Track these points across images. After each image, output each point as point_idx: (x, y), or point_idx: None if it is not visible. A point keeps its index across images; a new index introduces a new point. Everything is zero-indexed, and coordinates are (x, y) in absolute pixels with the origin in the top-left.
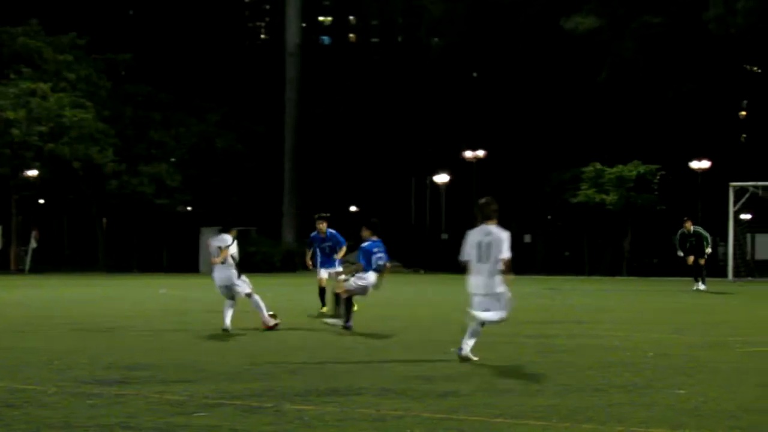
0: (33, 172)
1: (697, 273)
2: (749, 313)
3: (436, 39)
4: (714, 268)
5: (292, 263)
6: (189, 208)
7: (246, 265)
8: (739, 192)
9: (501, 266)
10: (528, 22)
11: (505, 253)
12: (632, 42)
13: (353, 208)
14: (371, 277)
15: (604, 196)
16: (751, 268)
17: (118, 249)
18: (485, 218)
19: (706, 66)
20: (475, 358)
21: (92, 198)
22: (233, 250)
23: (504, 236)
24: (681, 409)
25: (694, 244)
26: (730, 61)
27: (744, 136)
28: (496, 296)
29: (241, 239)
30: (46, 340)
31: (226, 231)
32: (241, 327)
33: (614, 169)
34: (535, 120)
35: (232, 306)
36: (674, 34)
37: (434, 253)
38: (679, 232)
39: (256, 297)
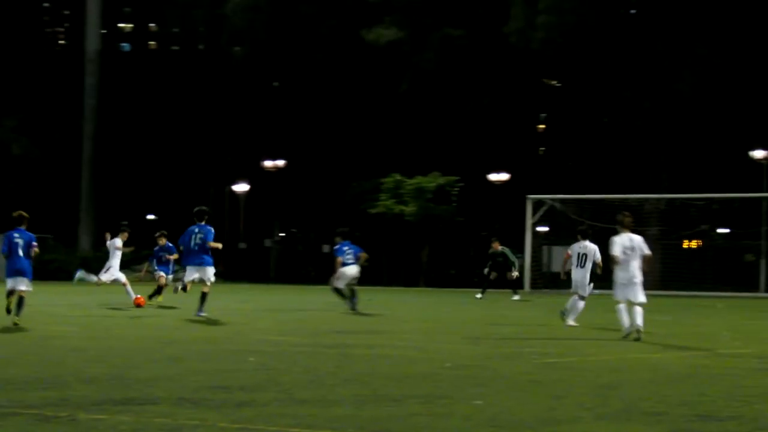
0: None
1: (513, 286)
2: (543, 325)
3: (237, 48)
4: (511, 280)
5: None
6: None
7: (42, 273)
8: (537, 204)
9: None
10: (330, 33)
11: None
12: (433, 54)
13: (151, 216)
14: (349, 270)
15: (403, 207)
16: (547, 280)
17: None
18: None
19: (506, 79)
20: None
21: None
22: None
23: None
24: (478, 420)
25: (501, 263)
26: (529, 75)
27: (542, 149)
28: None
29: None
30: None
31: None
32: (41, 334)
33: (413, 180)
34: (336, 130)
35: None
36: (475, 46)
37: (232, 262)
38: (490, 252)
39: None
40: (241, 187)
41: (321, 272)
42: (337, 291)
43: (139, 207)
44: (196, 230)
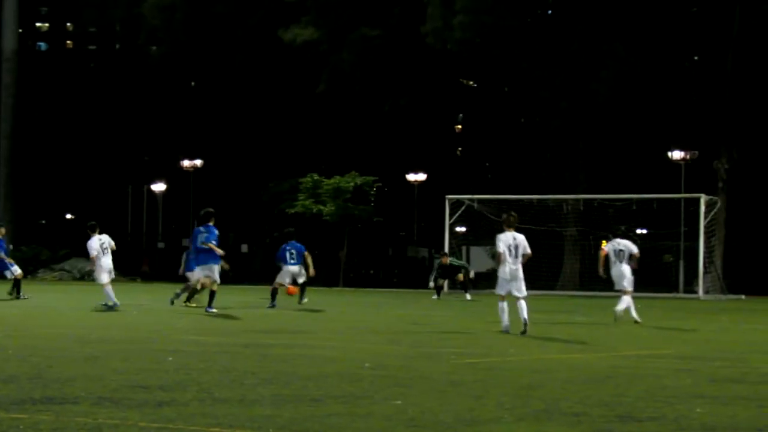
0: None
1: (463, 288)
2: (462, 325)
3: (154, 47)
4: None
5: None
6: None
7: None
8: (455, 204)
9: None
10: (247, 32)
11: None
12: (350, 54)
13: (69, 216)
14: (289, 269)
15: (321, 207)
16: (467, 280)
17: None
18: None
19: (424, 79)
20: None
21: None
22: None
23: None
24: (398, 420)
25: (450, 272)
26: (446, 75)
27: (460, 149)
28: None
29: None
30: None
31: None
32: None
33: (332, 180)
34: (254, 130)
35: None
36: (392, 47)
37: (151, 261)
38: (437, 263)
39: None
40: (159, 187)
41: (239, 272)
42: (274, 291)
43: (58, 206)
44: (202, 230)
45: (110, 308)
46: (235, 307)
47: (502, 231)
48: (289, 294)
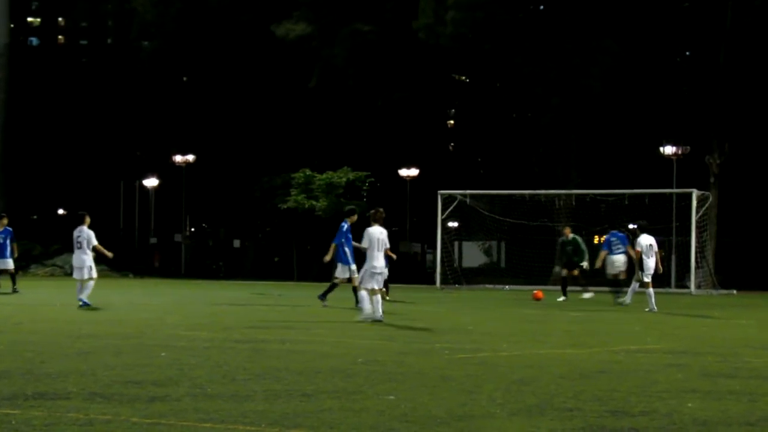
0: None
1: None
2: (455, 321)
3: (146, 42)
4: (423, 276)
5: None
6: None
7: None
8: (447, 200)
9: None
10: (240, 27)
11: None
12: (342, 49)
13: (61, 211)
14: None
15: (313, 202)
16: (458, 276)
17: None
18: None
19: (416, 74)
20: None
21: None
22: None
23: None
24: (391, 415)
25: (570, 252)
26: (439, 70)
27: (452, 144)
28: None
29: None
30: None
31: None
32: None
33: (324, 176)
34: (246, 125)
35: None
36: (384, 42)
37: (143, 257)
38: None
39: None
40: (151, 182)
41: (231, 267)
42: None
43: (50, 201)
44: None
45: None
46: (227, 303)
47: (370, 225)
48: None
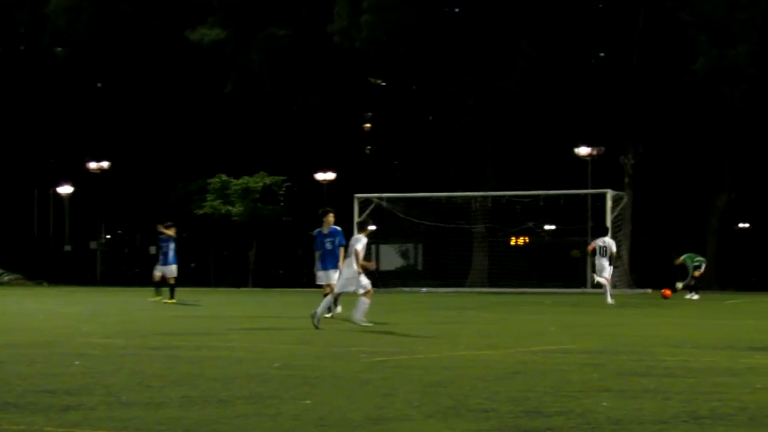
0: None
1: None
2: (376, 323)
3: (59, 48)
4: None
5: None
6: None
7: None
8: (364, 203)
9: None
10: (154, 32)
11: None
12: (258, 54)
13: None
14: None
15: (230, 208)
16: (375, 279)
17: None
18: None
19: (332, 78)
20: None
21: None
22: None
23: None
24: (307, 420)
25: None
26: (354, 74)
27: (368, 148)
28: None
29: None
30: None
31: None
32: None
33: (240, 181)
34: (162, 131)
35: None
36: (300, 46)
37: (58, 265)
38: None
39: None
40: (66, 189)
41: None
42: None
43: None
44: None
45: None
46: (143, 310)
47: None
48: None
